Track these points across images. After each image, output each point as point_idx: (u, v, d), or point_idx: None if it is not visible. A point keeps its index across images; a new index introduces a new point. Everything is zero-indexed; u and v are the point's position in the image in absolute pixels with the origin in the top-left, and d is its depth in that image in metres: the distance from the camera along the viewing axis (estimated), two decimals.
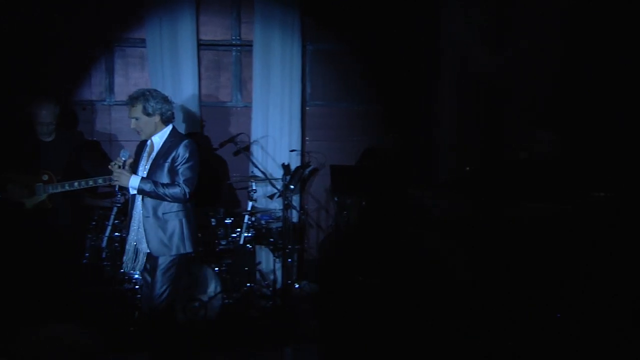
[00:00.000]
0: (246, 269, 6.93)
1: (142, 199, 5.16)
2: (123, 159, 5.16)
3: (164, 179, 5.15)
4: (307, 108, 8.00)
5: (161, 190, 5.08)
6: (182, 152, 5.15)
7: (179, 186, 5.10)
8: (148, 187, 5.08)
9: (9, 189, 6.13)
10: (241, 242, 6.69)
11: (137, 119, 5.18)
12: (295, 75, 7.75)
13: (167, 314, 5.18)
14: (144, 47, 7.54)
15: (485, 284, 6.09)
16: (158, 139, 5.25)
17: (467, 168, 7.04)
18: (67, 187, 6.13)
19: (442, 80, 7.59)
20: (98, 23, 7.47)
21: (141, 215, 5.19)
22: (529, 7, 7.11)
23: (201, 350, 5.94)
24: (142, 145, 5.38)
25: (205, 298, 6.28)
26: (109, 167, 5.21)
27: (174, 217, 5.18)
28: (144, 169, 5.23)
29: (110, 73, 7.62)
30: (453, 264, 6.47)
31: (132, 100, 5.21)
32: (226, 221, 6.72)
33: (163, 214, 5.16)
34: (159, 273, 5.13)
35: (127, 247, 5.31)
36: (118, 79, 7.64)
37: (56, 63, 7.37)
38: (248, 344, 6.09)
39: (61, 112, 6.48)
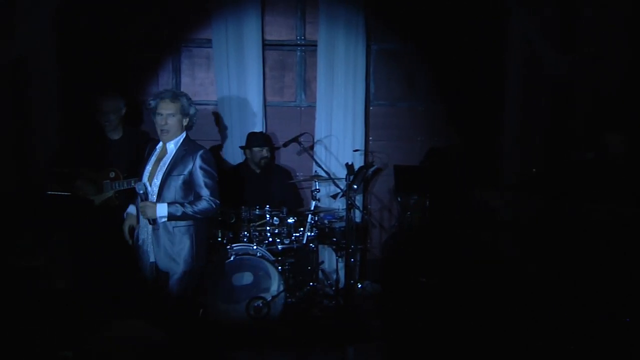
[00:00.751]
0: (309, 268, 6.88)
1: None
2: (140, 192, 5.06)
3: (178, 192, 5.06)
4: (371, 108, 7.94)
5: (190, 210, 4.99)
6: (199, 163, 5.07)
7: (207, 200, 5.04)
8: (178, 211, 4.97)
9: (77, 185, 6.22)
10: (304, 241, 6.69)
11: (172, 115, 5.10)
12: (359, 75, 7.70)
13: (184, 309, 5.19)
14: (210, 47, 7.60)
15: (554, 287, 5.98)
16: (173, 146, 5.15)
17: (534, 169, 6.93)
18: (132, 184, 6.04)
19: (509, 79, 7.44)
20: (166, 24, 7.59)
21: (149, 226, 5.12)
22: (598, 7, 6.93)
23: (265, 348, 5.97)
24: (151, 148, 5.27)
25: (268, 297, 6.27)
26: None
27: (184, 231, 5.09)
28: (148, 173, 5.13)
29: (177, 73, 7.72)
30: (521, 266, 6.39)
31: (175, 96, 5.15)
32: (289, 220, 6.69)
33: (174, 227, 5.07)
34: (170, 284, 5.10)
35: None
36: (184, 79, 7.72)
37: (126, 63, 7.51)
38: (311, 343, 6.08)
39: (127, 110, 6.58)
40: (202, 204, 5.04)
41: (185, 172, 5.08)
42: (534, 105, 7.36)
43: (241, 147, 7.30)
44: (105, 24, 7.39)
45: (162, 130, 5.16)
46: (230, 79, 7.54)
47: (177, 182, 5.09)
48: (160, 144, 5.23)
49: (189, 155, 5.11)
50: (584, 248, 5.78)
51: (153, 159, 5.21)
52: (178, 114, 5.13)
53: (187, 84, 7.70)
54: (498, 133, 7.62)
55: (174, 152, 5.15)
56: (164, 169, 5.11)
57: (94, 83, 7.14)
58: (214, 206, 5.08)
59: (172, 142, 5.17)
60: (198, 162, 5.09)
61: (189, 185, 5.12)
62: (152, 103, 5.20)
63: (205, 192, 5.06)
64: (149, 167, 5.19)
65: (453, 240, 6.92)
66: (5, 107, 6.75)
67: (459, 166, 7.38)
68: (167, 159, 5.14)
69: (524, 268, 6.28)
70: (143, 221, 5.18)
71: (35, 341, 5.56)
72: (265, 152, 7.15)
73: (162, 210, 4.99)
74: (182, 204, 5.02)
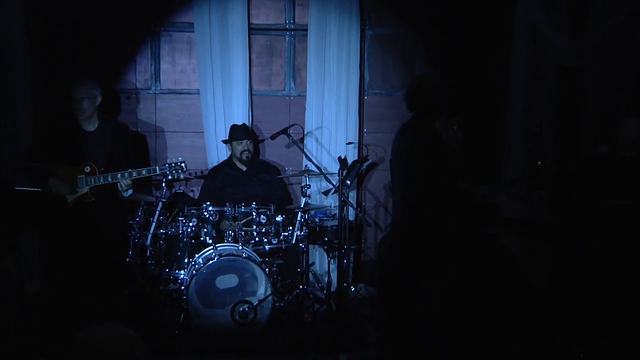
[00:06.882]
0: (298, 270, 6.65)
1: None
2: None
3: None
4: (365, 97, 7.73)
5: None
6: None
7: None
8: None
9: (50, 183, 6.02)
10: (293, 241, 6.50)
11: None
12: (353, 62, 7.50)
13: None
14: (192, 31, 7.40)
15: (563, 290, 5.83)
16: None
17: (539, 162, 6.68)
18: (110, 179, 6.00)
19: (514, 67, 7.18)
20: (143, 6, 7.34)
21: None
22: None
23: (251, 356, 5.75)
24: None
25: (255, 301, 6.06)
26: None
27: None
28: None
29: (156, 59, 7.51)
30: (526, 267, 6.26)
31: None
32: (277, 219, 6.48)
33: None
34: None
35: None
36: (164, 66, 7.53)
37: (101, 50, 7.27)
38: (301, 351, 5.87)
39: (103, 99, 6.33)
40: None
41: None
42: (540, 96, 7.15)
43: (223, 142, 7.19)
44: (78, 7, 7.15)
45: None
46: (213, 66, 7.35)
47: None
48: None
49: None
50: (597, 247, 5.62)
51: None
52: None
53: (167, 71, 7.53)
54: (502, 124, 7.40)
55: None
56: None
57: (68, 72, 6.97)
58: None
59: None
60: None
61: None
62: None
63: None
64: None
65: (453, 240, 6.63)
66: None
67: (459, 160, 7.05)
68: None
69: (531, 270, 6.18)
70: None
71: (4, 348, 5.33)
72: (245, 145, 6.95)
73: None
74: None
